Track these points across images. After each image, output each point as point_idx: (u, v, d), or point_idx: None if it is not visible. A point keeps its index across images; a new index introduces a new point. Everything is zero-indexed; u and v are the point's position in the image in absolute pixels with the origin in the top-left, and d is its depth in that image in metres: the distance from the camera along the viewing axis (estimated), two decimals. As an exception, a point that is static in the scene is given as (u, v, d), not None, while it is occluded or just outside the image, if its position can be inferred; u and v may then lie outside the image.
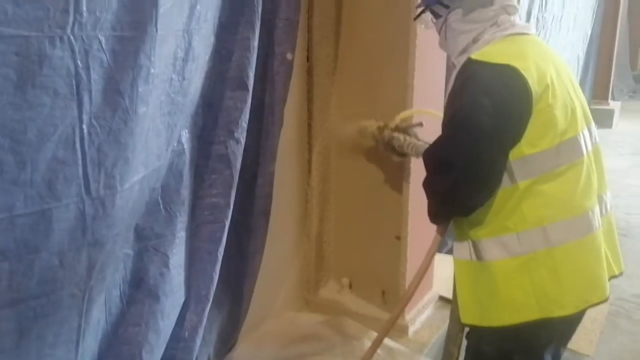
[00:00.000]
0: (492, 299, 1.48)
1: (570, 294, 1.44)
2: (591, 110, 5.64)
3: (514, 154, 1.39)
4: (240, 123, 1.68)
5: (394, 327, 1.82)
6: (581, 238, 1.44)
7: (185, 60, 1.46)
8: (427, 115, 2.05)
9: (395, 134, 2.04)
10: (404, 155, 2.07)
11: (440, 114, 1.62)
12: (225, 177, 1.70)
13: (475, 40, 1.48)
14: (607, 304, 2.96)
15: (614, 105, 7.69)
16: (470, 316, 1.54)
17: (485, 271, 1.47)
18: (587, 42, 6.91)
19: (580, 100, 1.50)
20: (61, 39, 1.13)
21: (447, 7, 1.51)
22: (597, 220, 1.47)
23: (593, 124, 1.55)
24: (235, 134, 1.69)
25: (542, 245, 1.42)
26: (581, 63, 6.84)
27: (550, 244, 1.42)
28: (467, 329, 1.67)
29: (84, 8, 1.15)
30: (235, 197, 1.75)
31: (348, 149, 2.36)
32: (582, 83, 7.04)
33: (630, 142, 6.62)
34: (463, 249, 1.52)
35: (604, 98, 7.60)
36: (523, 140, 1.38)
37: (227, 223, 1.73)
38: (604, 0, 7.19)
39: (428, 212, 1.54)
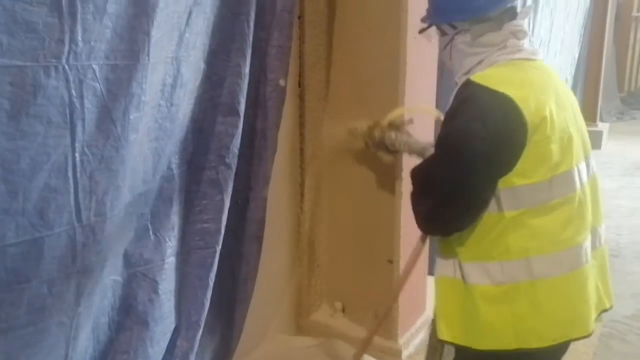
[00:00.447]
0: (473, 321, 1.47)
1: (549, 327, 1.44)
2: (580, 132, 5.51)
3: (503, 183, 1.38)
4: (231, 148, 1.70)
5: (387, 351, 1.81)
6: (566, 273, 1.43)
7: (173, 86, 1.47)
8: (419, 112, 2.03)
9: (387, 132, 2.03)
10: (395, 152, 2.06)
11: (432, 110, 1.65)
12: (216, 203, 1.71)
13: (480, 62, 1.46)
14: (600, 325, 2.98)
15: (602, 126, 7.77)
16: (450, 333, 1.53)
17: (468, 293, 1.46)
18: (575, 65, 7.01)
19: (580, 131, 1.48)
20: (56, 68, 1.14)
21: (455, 27, 1.49)
22: (587, 255, 1.46)
23: (592, 155, 1.53)
24: (226, 159, 1.70)
25: (524, 277, 1.41)
26: (569, 86, 6.94)
27: (534, 276, 1.40)
28: (450, 348, 1.64)
29: (79, 38, 1.17)
30: (228, 222, 1.75)
31: (340, 174, 2.37)
32: (570, 105, 7.11)
33: (619, 163, 6.68)
34: (448, 266, 1.52)
35: (592, 120, 7.67)
36: (514, 171, 1.36)
37: (219, 248, 1.73)
38: (590, 23, 7.32)
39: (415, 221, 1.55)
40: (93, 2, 1.18)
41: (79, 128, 1.22)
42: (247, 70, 1.69)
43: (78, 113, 1.21)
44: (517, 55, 1.44)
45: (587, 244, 1.46)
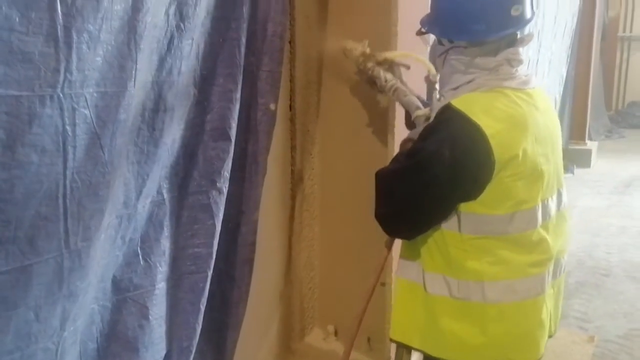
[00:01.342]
0: (430, 328, 1.54)
1: (492, 349, 1.49)
2: (569, 150, 5.84)
3: (465, 207, 1.43)
4: (222, 173, 1.70)
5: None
6: (518, 301, 1.47)
7: (155, 110, 1.48)
8: (416, 61, 1.98)
9: (378, 69, 1.98)
10: (383, 91, 2.00)
11: (428, 64, 1.73)
12: (208, 227, 1.70)
13: (469, 82, 1.48)
14: (592, 345, 2.99)
15: (591, 145, 7.86)
16: (403, 336, 1.62)
17: (429, 300, 1.53)
18: (563, 84, 7.10)
19: (556, 165, 1.53)
20: (51, 97, 1.15)
21: (452, 42, 1.50)
22: (544, 285, 1.50)
23: (564, 189, 1.59)
24: (217, 183, 1.70)
25: (477, 298, 1.46)
26: (558, 105, 7.01)
27: (485, 299, 1.45)
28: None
29: (74, 67, 1.18)
30: (219, 246, 1.75)
31: (332, 196, 2.37)
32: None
33: (609, 181, 6.75)
34: (412, 270, 1.58)
35: (581, 138, 7.77)
36: (478, 200, 1.40)
37: (210, 273, 1.73)
38: (577, 43, 7.44)
39: None
40: (87, 32, 1.20)
41: (70, 155, 1.22)
42: (238, 95, 1.71)
43: (70, 140, 1.22)
44: (507, 83, 1.45)
45: (545, 274, 1.50)
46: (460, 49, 1.49)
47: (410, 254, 1.59)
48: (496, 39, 1.45)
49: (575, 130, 7.77)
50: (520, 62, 1.48)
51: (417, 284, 1.56)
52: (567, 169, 7.09)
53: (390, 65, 1.99)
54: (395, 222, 1.54)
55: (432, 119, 1.54)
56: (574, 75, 7.53)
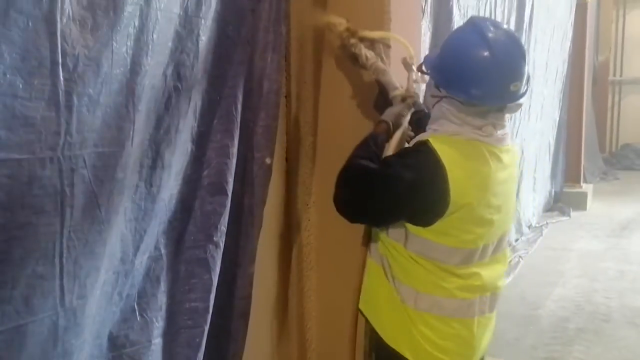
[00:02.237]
0: (382, 311, 1.75)
1: (419, 348, 1.67)
2: (565, 193, 5.91)
3: (414, 229, 1.59)
4: (219, 227, 1.72)
5: None
6: (447, 316, 1.64)
7: (152, 168, 1.51)
8: (396, 42, 2.03)
9: (359, 45, 2.01)
10: (365, 68, 2.04)
11: (408, 46, 1.91)
12: (204, 282, 1.71)
13: (454, 131, 1.59)
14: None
15: (586, 187, 7.92)
16: (364, 306, 1.88)
17: (389, 286, 1.72)
18: (556, 128, 7.23)
19: (506, 216, 1.70)
20: (51, 159, 1.18)
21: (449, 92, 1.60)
22: (475, 311, 1.66)
23: (509, 233, 1.80)
24: (214, 238, 1.71)
25: (410, 304, 1.66)
26: (552, 149, 7.11)
27: (416, 307, 1.65)
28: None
29: (74, 129, 1.21)
30: (214, 299, 1.75)
31: (330, 248, 2.38)
32: (554, 168, 7.28)
33: (605, 224, 6.76)
34: (377, 255, 1.77)
35: (577, 181, 7.83)
36: (428, 228, 1.56)
37: (207, 328, 1.72)
38: (569, 88, 7.59)
39: None
40: (88, 95, 1.24)
41: (67, 215, 1.24)
42: (235, 150, 1.74)
43: (68, 200, 1.24)
44: (484, 139, 1.57)
45: (476, 301, 1.66)
46: (455, 102, 1.57)
47: (376, 237, 1.79)
48: (490, 106, 1.55)
49: (570, 173, 7.84)
50: (503, 127, 1.60)
51: (381, 268, 1.74)
52: (564, 211, 7.12)
53: (372, 43, 2.04)
54: (350, 211, 1.68)
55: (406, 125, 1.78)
56: (566, 119, 7.66)
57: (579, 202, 7.47)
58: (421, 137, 1.65)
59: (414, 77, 1.90)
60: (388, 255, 1.72)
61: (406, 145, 1.80)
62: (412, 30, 2.27)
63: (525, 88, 1.57)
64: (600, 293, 4.53)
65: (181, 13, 1.52)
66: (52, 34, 1.17)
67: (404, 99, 1.84)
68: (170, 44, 1.50)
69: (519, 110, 5.16)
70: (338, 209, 1.67)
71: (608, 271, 5.06)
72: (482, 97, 1.52)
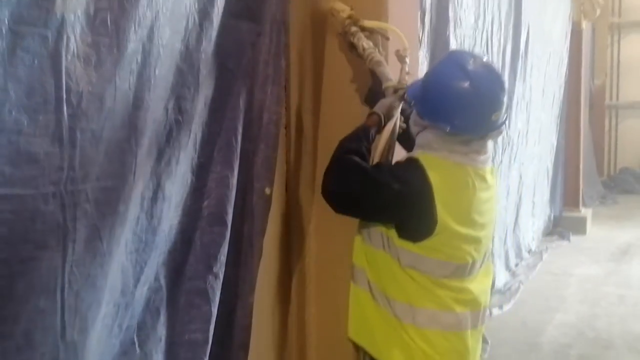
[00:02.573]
0: (375, 332, 1.75)
1: None
2: (564, 217, 5.91)
3: (404, 244, 1.63)
4: (219, 258, 1.72)
5: None
6: (443, 330, 1.66)
7: (153, 199, 1.52)
8: (393, 34, 2.07)
9: (359, 34, 2.05)
10: (361, 57, 2.07)
11: (404, 40, 1.94)
12: (204, 313, 1.71)
13: (437, 155, 1.65)
14: None
15: (585, 212, 7.92)
16: (355, 334, 1.86)
17: (377, 307, 1.73)
18: (554, 153, 7.26)
19: (490, 233, 1.76)
20: (54, 194, 1.19)
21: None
22: (468, 324, 1.69)
23: (491, 247, 1.82)
24: (214, 268, 1.72)
25: (408, 321, 1.66)
26: (550, 173, 7.14)
27: (415, 323, 1.66)
28: None
29: (77, 164, 1.23)
30: (214, 330, 1.74)
31: (329, 279, 2.38)
32: (552, 192, 7.30)
33: (605, 249, 6.75)
34: (362, 279, 1.78)
35: (575, 205, 7.84)
36: (418, 244, 1.61)
37: (206, 359, 1.71)
38: (566, 113, 7.66)
39: None
40: (91, 130, 1.26)
41: (69, 249, 1.25)
42: (234, 181, 1.76)
43: (70, 235, 1.25)
44: (469, 162, 1.64)
45: (468, 314, 1.70)
46: (439, 131, 1.63)
47: (360, 262, 1.81)
48: (473, 135, 1.63)
49: (569, 197, 7.86)
50: (485, 153, 1.67)
51: (367, 292, 1.75)
52: (563, 236, 7.12)
53: (372, 33, 2.08)
54: (337, 204, 1.71)
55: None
56: (564, 144, 7.71)
57: (579, 227, 7.46)
58: (411, 154, 1.72)
59: (406, 69, 1.94)
60: (377, 277, 1.72)
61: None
62: (408, 26, 2.32)
63: (505, 116, 1.66)
64: (602, 319, 4.50)
65: (182, 48, 1.55)
66: (57, 71, 1.19)
67: (396, 91, 1.86)
68: (171, 78, 1.53)
69: (517, 135, 5.19)
70: (326, 199, 1.72)
71: (609, 296, 5.04)
72: (465, 127, 1.59)
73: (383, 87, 1.94)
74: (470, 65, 1.60)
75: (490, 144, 1.69)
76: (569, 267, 6.00)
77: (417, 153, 1.69)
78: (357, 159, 1.67)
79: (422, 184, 1.58)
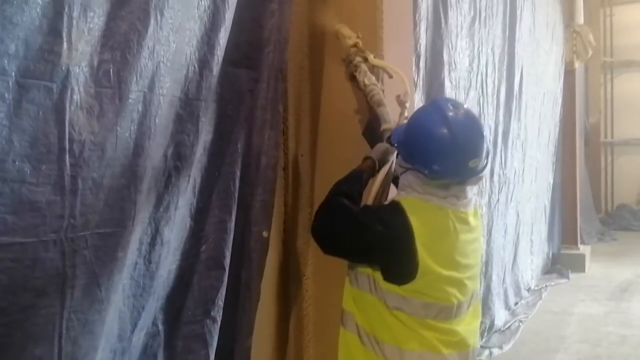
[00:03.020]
0: None
1: None
2: (563, 255, 5.88)
3: (390, 287, 1.64)
4: (216, 302, 1.73)
5: None
6: None
7: (152, 245, 1.55)
8: (398, 78, 2.09)
9: (363, 67, 2.06)
10: (360, 89, 2.08)
11: (407, 85, 1.98)
12: (201, 357, 1.70)
13: (419, 198, 1.68)
14: None
15: (584, 249, 7.90)
16: None
17: (366, 351, 1.70)
18: (551, 191, 7.29)
19: (475, 274, 1.76)
20: (54, 242, 1.22)
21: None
22: None
23: (477, 288, 1.81)
24: (212, 312, 1.72)
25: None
26: (548, 211, 7.16)
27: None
28: None
29: (78, 212, 1.26)
30: (211, 374, 1.73)
31: (326, 318, 2.37)
32: (550, 230, 7.30)
33: (605, 287, 6.70)
34: (351, 323, 1.76)
35: (574, 243, 7.82)
36: (403, 287, 1.61)
37: (203, 404, 1.70)
38: (561, 151, 7.73)
39: None
40: (92, 179, 1.29)
41: (68, 296, 1.27)
42: (232, 225, 1.78)
43: (69, 282, 1.27)
44: (449, 206, 1.67)
45: (456, 357, 1.68)
46: (419, 174, 1.68)
47: (348, 307, 1.79)
48: (451, 180, 1.67)
49: (567, 234, 7.85)
50: (465, 197, 1.71)
51: (356, 336, 1.73)
52: (562, 274, 7.08)
53: (374, 66, 2.11)
54: (324, 244, 1.73)
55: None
56: (561, 181, 7.75)
57: (577, 264, 7.43)
58: (394, 197, 1.76)
59: (405, 114, 1.99)
60: (366, 320, 1.72)
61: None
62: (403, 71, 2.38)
63: (485, 162, 1.70)
64: (603, 359, 4.45)
65: (182, 96, 1.60)
66: (60, 121, 1.23)
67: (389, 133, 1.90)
68: (171, 126, 1.57)
69: (513, 174, 5.21)
70: (314, 239, 1.76)
71: (610, 336, 4.98)
72: (443, 172, 1.64)
73: (381, 129, 1.98)
74: (451, 113, 1.66)
75: (470, 189, 1.73)
76: (569, 305, 5.95)
77: (399, 196, 1.73)
78: (345, 201, 1.71)
79: (403, 228, 1.61)
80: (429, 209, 1.66)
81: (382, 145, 1.91)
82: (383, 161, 1.87)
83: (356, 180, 1.81)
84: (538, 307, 5.83)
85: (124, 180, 1.39)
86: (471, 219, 1.73)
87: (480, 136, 1.67)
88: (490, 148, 4.48)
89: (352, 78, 2.16)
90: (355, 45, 2.16)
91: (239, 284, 1.89)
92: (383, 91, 2.11)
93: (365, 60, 2.12)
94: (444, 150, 1.63)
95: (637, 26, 11.81)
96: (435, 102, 1.77)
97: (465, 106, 1.77)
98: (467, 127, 1.66)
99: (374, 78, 2.10)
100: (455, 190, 1.68)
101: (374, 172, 1.86)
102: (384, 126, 1.98)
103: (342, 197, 1.73)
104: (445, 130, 1.62)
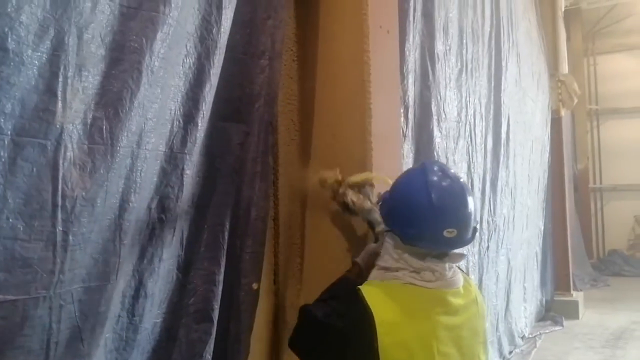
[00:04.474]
0: None
1: None
2: (556, 302, 5.79)
3: None
4: (204, 355, 1.72)
5: None
6: None
7: (135, 297, 1.55)
8: (382, 182, 2.07)
9: (348, 191, 2.07)
10: (354, 213, 2.08)
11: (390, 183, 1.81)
12: (189, 413, 1.68)
13: (392, 268, 1.60)
14: None
15: (577, 295, 7.86)
16: None
17: None
18: (542, 237, 7.32)
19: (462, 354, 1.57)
20: (44, 298, 1.23)
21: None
22: None
23: None
24: (200, 366, 1.71)
25: None
26: (539, 258, 7.17)
27: None
28: None
29: (67, 267, 1.27)
30: None
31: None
32: (543, 276, 7.29)
33: (599, 334, 6.65)
34: None
35: (567, 289, 7.79)
36: None
37: None
38: (551, 197, 7.80)
39: None
40: (82, 234, 1.31)
41: (52, 352, 1.26)
42: (221, 277, 1.79)
43: (54, 336, 1.27)
44: (428, 285, 1.56)
45: None
46: (395, 237, 1.63)
47: None
48: (426, 249, 1.58)
49: (560, 281, 7.83)
50: (442, 276, 1.58)
51: None
52: (556, 321, 7.03)
53: (359, 187, 2.12)
54: (298, 354, 1.70)
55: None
56: (551, 228, 7.79)
57: (571, 311, 7.38)
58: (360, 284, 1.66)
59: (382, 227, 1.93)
60: None
61: None
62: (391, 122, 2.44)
63: (469, 237, 1.59)
64: (600, 410, 4.38)
65: (167, 150, 1.63)
66: (54, 178, 1.26)
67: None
68: (155, 179, 1.60)
69: (503, 221, 5.24)
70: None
71: (606, 385, 4.93)
72: (416, 237, 1.57)
73: (375, 232, 1.99)
74: (435, 177, 1.60)
75: (450, 266, 1.61)
76: (563, 354, 5.89)
77: (365, 284, 1.64)
78: (317, 311, 1.64)
79: (361, 317, 1.50)
80: (396, 288, 1.56)
81: (370, 247, 1.88)
82: (369, 264, 1.80)
83: (343, 287, 1.74)
84: (533, 355, 5.77)
85: (109, 233, 1.41)
86: (455, 299, 1.59)
87: (462, 205, 1.58)
88: (479, 196, 4.58)
89: (345, 208, 2.16)
90: (337, 181, 2.18)
91: (227, 338, 1.88)
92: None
93: (351, 186, 2.15)
94: (420, 213, 1.56)
95: (621, 74, 12.15)
96: (423, 165, 1.71)
97: (453, 173, 1.67)
98: (448, 193, 1.58)
99: (361, 195, 2.12)
100: (431, 263, 1.57)
101: (360, 277, 1.77)
102: (377, 228, 1.97)
103: (314, 306, 1.69)
104: (423, 194, 1.56)
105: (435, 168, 1.66)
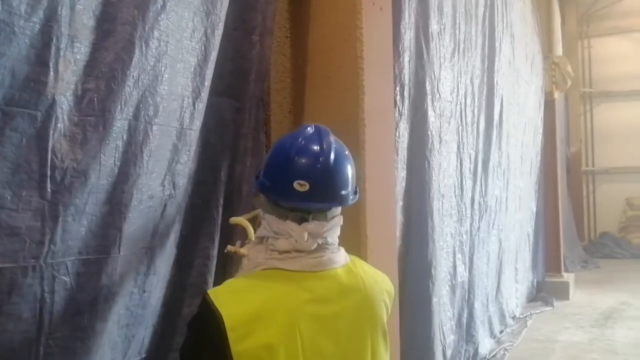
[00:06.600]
0: None
1: None
2: (547, 283, 5.76)
3: None
4: (198, 329, 1.73)
5: None
6: None
7: (146, 274, 1.55)
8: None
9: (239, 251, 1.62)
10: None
11: (251, 233, 1.54)
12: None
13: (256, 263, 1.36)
14: None
15: (568, 277, 7.95)
16: None
17: None
18: (534, 219, 7.38)
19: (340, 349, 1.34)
20: (33, 267, 1.22)
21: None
22: None
23: None
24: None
25: None
26: (531, 239, 7.23)
27: None
28: None
29: (58, 238, 1.27)
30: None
31: None
32: (534, 258, 7.36)
33: (589, 314, 6.74)
34: None
35: (557, 270, 7.88)
36: None
37: None
38: (544, 179, 7.85)
39: None
40: (74, 205, 1.30)
41: (46, 322, 1.27)
42: (215, 252, 1.80)
43: (47, 307, 1.27)
44: (290, 267, 1.32)
45: None
46: (262, 196, 1.40)
47: None
48: (281, 203, 1.36)
49: (551, 262, 7.91)
50: (300, 245, 1.33)
51: None
52: (547, 301, 7.12)
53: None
54: None
55: None
56: (543, 210, 7.84)
57: (562, 292, 7.47)
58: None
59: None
60: None
61: None
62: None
63: (329, 198, 1.36)
64: (589, 389, 4.45)
65: (178, 126, 1.63)
66: (43, 149, 1.26)
67: None
68: (168, 155, 1.60)
69: (495, 202, 5.25)
70: None
71: (594, 364, 5.01)
72: (269, 188, 1.36)
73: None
74: (306, 134, 1.41)
75: (315, 238, 1.34)
76: (553, 333, 5.97)
77: (223, 284, 1.38)
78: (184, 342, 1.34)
79: (207, 320, 1.25)
80: (254, 278, 1.33)
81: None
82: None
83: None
84: (523, 335, 5.84)
85: (108, 206, 1.40)
86: (325, 283, 1.35)
87: (320, 161, 1.36)
88: (470, 176, 4.59)
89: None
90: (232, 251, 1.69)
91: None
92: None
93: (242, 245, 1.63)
94: (275, 162, 1.39)
95: (615, 58, 12.16)
96: (306, 125, 1.47)
97: (332, 138, 1.44)
98: (308, 146, 1.38)
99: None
100: (290, 226, 1.33)
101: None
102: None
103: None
104: (286, 145, 1.38)
105: (313, 127, 1.45)
